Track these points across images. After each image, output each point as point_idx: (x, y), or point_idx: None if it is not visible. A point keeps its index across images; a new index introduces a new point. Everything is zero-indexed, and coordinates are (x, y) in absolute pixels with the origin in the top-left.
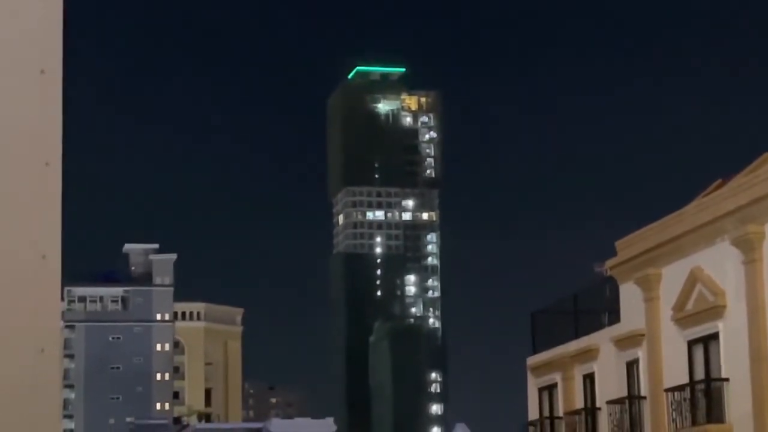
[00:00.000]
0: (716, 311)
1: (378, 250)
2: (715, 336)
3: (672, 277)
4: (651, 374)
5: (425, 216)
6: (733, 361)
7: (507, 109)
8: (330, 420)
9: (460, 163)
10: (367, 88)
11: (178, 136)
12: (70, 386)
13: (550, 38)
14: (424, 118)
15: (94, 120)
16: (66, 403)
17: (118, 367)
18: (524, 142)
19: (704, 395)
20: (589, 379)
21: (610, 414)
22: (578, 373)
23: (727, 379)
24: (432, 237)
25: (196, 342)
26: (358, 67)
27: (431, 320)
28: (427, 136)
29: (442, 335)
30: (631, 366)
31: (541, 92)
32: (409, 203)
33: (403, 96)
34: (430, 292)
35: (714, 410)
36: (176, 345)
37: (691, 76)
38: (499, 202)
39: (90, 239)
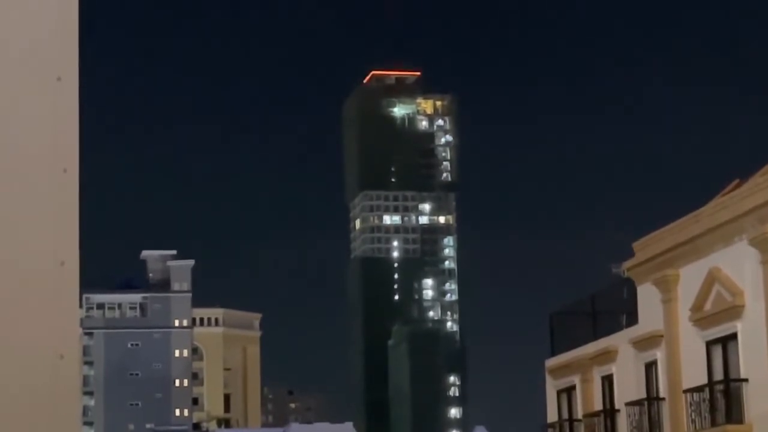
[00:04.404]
0: (735, 311)
1: (395, 254)
2: (733, 336)
3: (690, 278)
4: (670, 375)
5: (442, 219)
6: (752, 361)
7: (523, 111)
8: (349, 424)
9: (477, 166)
10: (383, 91)
11: (194, 142)
12: (89, 393)
13: (566, 40)
14: (440, 122)
15: (111, 126)
16: (86, 410)
17: (137, 374)
18: (540, 144)
19: (723, 396)
20: (607, 380)
21: (629, 415)
22: (597, 375)
23: (746, 380)
24: (449, 240)
25: (215, 347)
26: (373, 71)
27: (449, 323)
28: (443, 140)
29: (460, 338)
30: (650, 367)
31: (558, 94)
32: (426, 207)
33: (419, 99)
34: (448, 295)
35: (733, 411)
36: (195, 351)
37: (706, 76)
38: (516, 204)
39: (108, 246)
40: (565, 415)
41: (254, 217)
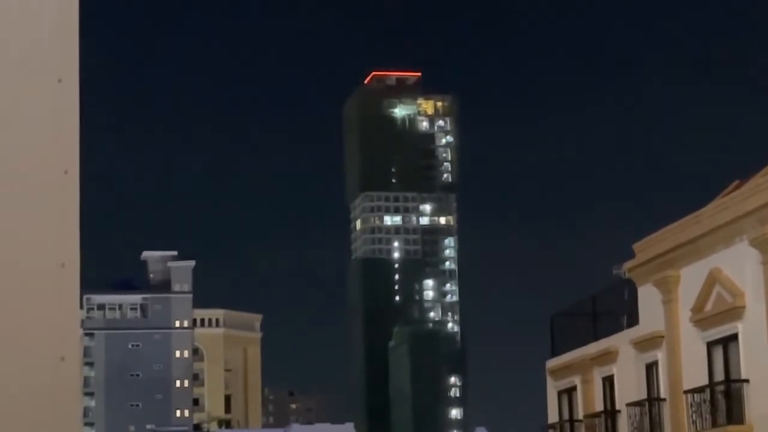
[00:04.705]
0: (735, 312)
1: (396, 255)
2: (734, 337)
3: (690, 279)
4: (670, 376)
5: (443, 220)
6: (752, 361)
7: (523, 111)
8: (350, 425)
9: (477, 166)
10: (383, 92)
11: (194, 144)
12: (90, 394)
13: (566, 40)
14: (441, 123)
15: (111, 126)
16: (86, 411)
17: (137, 375)
18: (541, 144)
19: (724, 396)
20: (608, 381)
21: (630, 416)
22: (597, 376)
23: (746, 380)
24: (450, 241)
25: (216, 348)
26: (373, 72)
27: (450, 324)
28: (443, 141)
29: (461, 339)
30: (651, 368)
31: (559, 95)
32: (427, 208)
33: (419, 100)
34: (449, 296)
35: (734, 411)
36: (195, 352)
37: (705, 77)
38: (517, 205)
39: (108, 247)
40: (566, 416)
41: (255, 218)
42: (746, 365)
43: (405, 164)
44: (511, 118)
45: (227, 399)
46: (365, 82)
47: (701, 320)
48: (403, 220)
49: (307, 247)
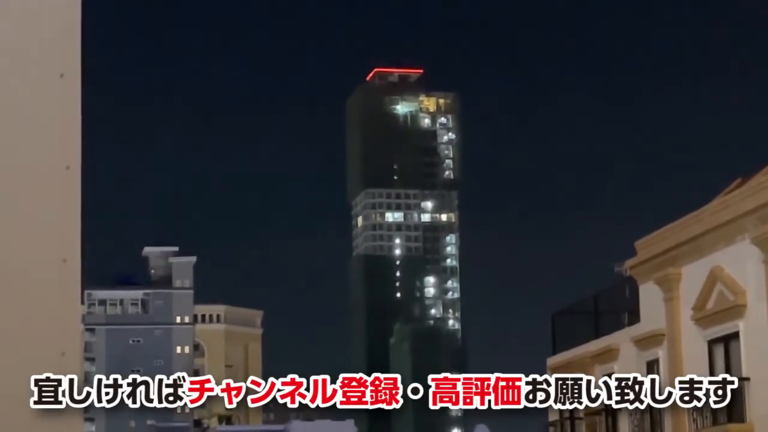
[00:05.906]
0: (737, 310)
1: (397, 251)
2: (735, 335)
3: (692, 277)
4: (671, 374)
5: (444, 217)
6: (753, 360)
7: (525, 109)
8: (350, 422)
9: (479, 164)
10: (386, 89)
11: (196, 139)
12: None
13: (568, 39)
14: (443, 120)
15: (113, 122)
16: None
17: (138, 370)
18: (543, 143)
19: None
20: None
21: (631, 414)
22: (598, 374)
23: (747, 379)
24: (451, 238)
25: (217, 344)
26: (376, 69)
27: (451, 322)
28: (445, 138)
29: (462, 337)
30: (652, 366)
31: (561, 93)
32: (428, 205)
33: (422, 97)
34: (450, 293)
35: (735, 410)
36: (196, 347)
37: (706, 75)
38: (519, 202)
39: (110, 243)
40: (567, 414)
41: (256, 214)
42: (747, 364)
43: (407, 161)
44: (513, 116)
45: None
46: (367, 79)
47: (702, 318)
48: (404, 217)
49: (309, 243)
